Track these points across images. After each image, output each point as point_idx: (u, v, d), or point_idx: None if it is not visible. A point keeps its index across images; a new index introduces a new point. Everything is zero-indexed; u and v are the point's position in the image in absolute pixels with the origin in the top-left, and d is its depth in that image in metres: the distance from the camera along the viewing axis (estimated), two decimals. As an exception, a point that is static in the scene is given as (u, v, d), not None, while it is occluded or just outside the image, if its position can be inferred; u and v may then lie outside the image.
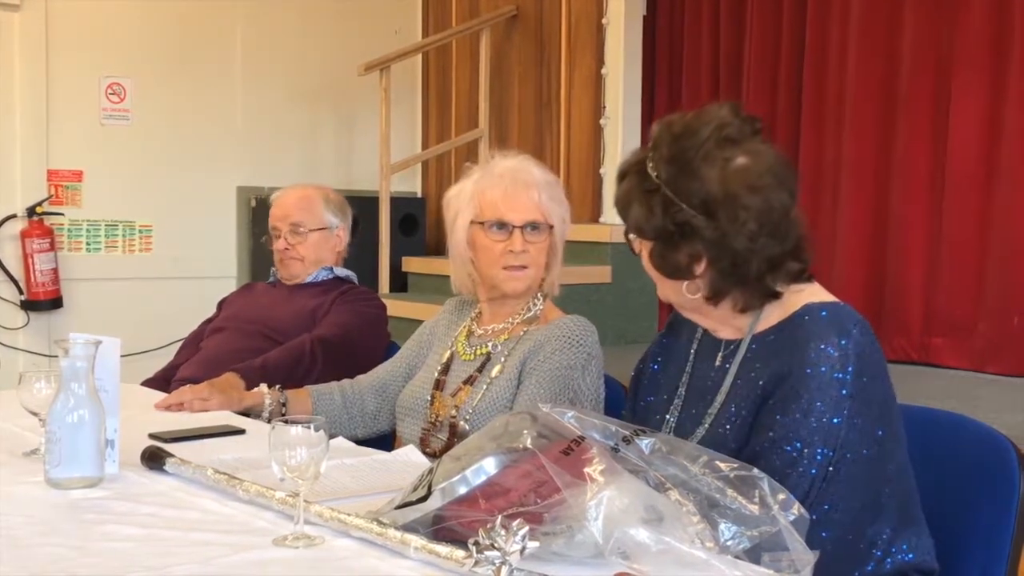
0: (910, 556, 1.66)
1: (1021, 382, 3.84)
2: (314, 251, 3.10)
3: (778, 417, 1.61)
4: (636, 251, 1.78)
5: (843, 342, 1.61)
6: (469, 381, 2.25)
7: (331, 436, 2.42)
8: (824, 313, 1.66)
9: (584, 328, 2.24)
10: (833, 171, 4.52)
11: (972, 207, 4.09)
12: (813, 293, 1.72)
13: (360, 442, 2.60)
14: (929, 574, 1.69)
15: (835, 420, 1.59)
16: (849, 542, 1.62)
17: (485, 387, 2.22)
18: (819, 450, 1.59)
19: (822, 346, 1.61)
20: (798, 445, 1.59)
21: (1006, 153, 4.01)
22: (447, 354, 2.36)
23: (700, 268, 1.68)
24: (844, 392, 1.60)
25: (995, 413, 3.20)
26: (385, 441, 2.43)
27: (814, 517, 1.52)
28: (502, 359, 2.25)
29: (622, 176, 1.74)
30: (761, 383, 1.66)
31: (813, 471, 1.59)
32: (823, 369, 1.60)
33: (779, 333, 1.69)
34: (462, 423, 2.19)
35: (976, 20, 4.09)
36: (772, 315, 1.71)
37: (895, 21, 4.34)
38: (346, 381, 2.53)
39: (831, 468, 1.59)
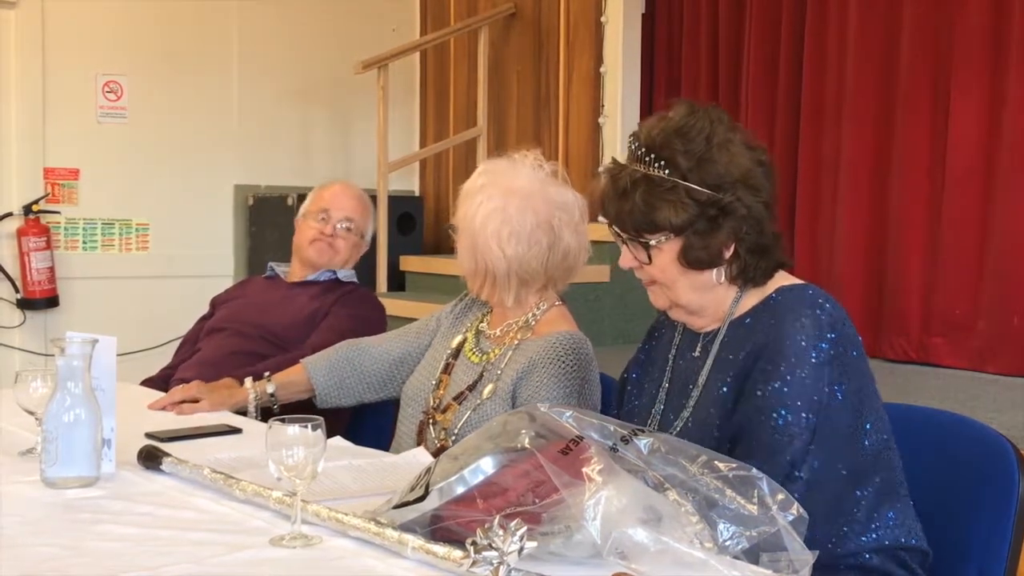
0: (896, 532, 1.68)
1: (1020, 382, 3.83)
2: (348, 251, 3.10)
3: (759, 390, 1.68)
4: (648, 261, 1.80)
5: (817, 313, 1.70)
6: (459, 399, 2.23)
7: (338, 403, 2.48)
8: (796, 292, 1.76)
9: (576, 350, 2.18)
10: (832, 170, 4.52)
11: (971, 206, 4.08)
12: (784, 278, 1.82)
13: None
14: (921, 554, 1.71)
15: (815, 387, 1.66)
16: (836, 513, 1.65)
17: (473, 408, 2.19)
18: (804, 415, 1.64)
19: (797, 319, 1.70)
20: (783, 412, 1.65)
21: (1005, 152, 4.00)
22: (458, 339, 2.35)
23: (730, 251, 1.77)
24: (821, 359, 1.67)
25: (994, 413, 3.20)
26: (383, 441, 2.42)
27: (805, 485, 1.60)
28: (495, 376, 2.21)
29: (631, 188, 1.77)
30: (740, 359, 1.73)
31: (801, 436, 1.64)
32: (799, 339, 1.68)
33: (754, 315, 1.78)
34: (451, 443, 2.16)
35: (975, 18, 4.09)
36: (748, 302, 1.80)
37: (894, 19, 4.33)
38: (351, 349, 2.51)
39: (817, 434, 1.65)
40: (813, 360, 1.66)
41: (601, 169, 1.87)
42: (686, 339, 1.89)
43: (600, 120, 5.24)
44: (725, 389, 1.74)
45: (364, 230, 3.14)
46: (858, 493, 1.67)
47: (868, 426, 1.69)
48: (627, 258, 1.84)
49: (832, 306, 1.72)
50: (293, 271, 3.14)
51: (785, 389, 1.65)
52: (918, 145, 4.25)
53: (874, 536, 1.67)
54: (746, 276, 1.78)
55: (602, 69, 5.24)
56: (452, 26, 5.82)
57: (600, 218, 1.92)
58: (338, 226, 3.06)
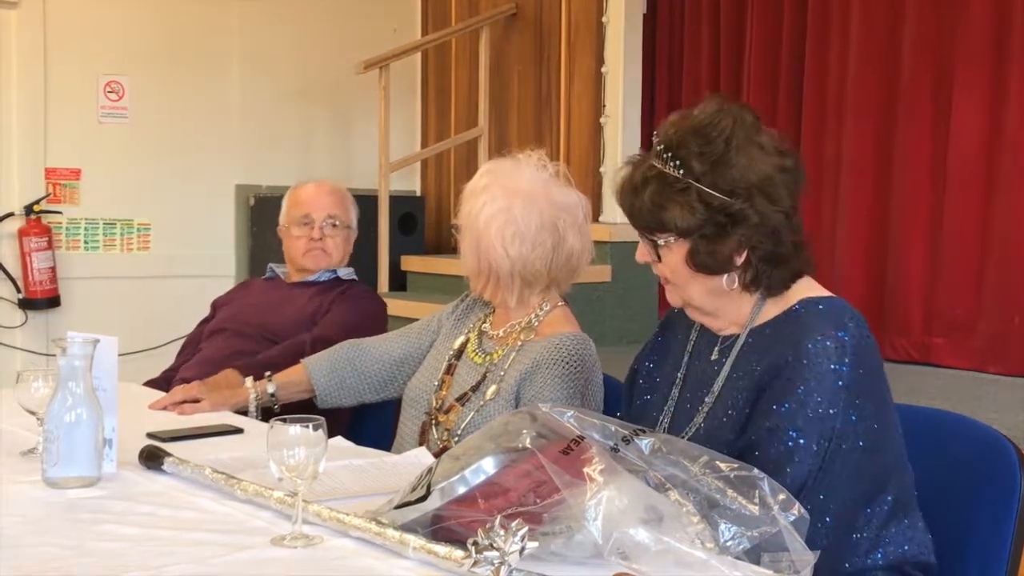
0: (904, 548, 1.66)
1: (1022, 382, 3.84)
2: (341, 248, 3.10)
3: (775, 407, 1.64)
4: (657, 259, 1.78)
5: (840, 334, 1.65)
6: (462, 400, 2.23)
7: (339, 403, 2.48)
8: (821, 306, 1.70)
9: (579, 352, 2.18)
10: (833, 170, 4.52)
11: (972, 206, 4.08)
12: (809, 288, 1.76)
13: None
14: (927, 568, 1.69)
15: (831, 411, 1.61)
16: (843, 532, 1.63)
17: (476, 409, 2.19)
18: (816, 440, 1.61)
19: (819, 338, 1.64)
20: (794, 435, 1.61)
21: (1007, 152, 4.01)
22: (460, 340, 2.35)
23: (741, 257, 1.72)
24: (841, 384, 1.62)
25: (996, 413, 3.20)
26: (384, 442, 2.42)
27: (809, 507, 1.53)
28: (499, 378, 2.21)
29: (642, 184, 1.74)
30: (758, 373, 1.69)
31: (810, 460, 1.60)
32: (820, 361, 1.63)
33: (776, 326, 1.72)
34: (453, 444, 2.16)
35: (977, 17, 4.09)
36: (769, 310, 1.75)
37: (896, 20, 4.33)
38: (352, 349, 2.51)
39: (827, 459, 1.61)
40: (832, 384, 1.62)
41: (627, 159, 1.83)
42: (703, 341, 1.84)
43: (601, 120, 5.24)
44: (741, 402, 1.69)
45: (349, 220, 3.14)
46: (868, 511, 1.64)
47: (883, 444, 1.66)
48: (641, 252, 1.81)
49: (856, 324, 1.66)
50: (292, 273, 3.15)
51: (801, 410, 1.61)
52: (919, 145, 4.25)
53: (880, 553, 1.64)
54: (759, 284, 1.74)
55: (603, 69, 5.24)
56: (453, 26, 5.81)
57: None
58: (324, 226, 3.07)
